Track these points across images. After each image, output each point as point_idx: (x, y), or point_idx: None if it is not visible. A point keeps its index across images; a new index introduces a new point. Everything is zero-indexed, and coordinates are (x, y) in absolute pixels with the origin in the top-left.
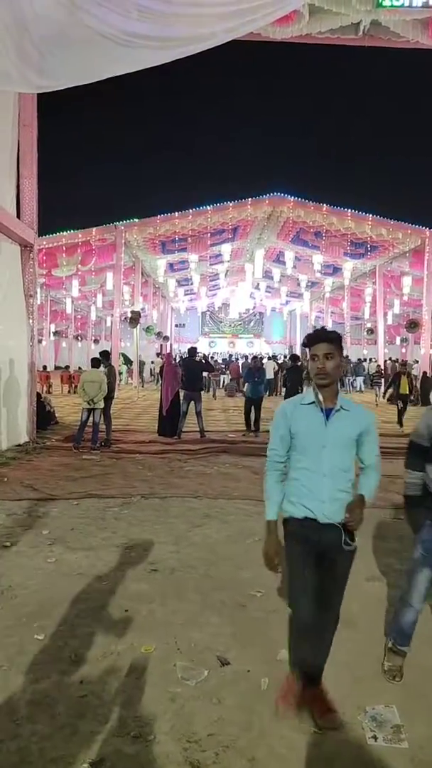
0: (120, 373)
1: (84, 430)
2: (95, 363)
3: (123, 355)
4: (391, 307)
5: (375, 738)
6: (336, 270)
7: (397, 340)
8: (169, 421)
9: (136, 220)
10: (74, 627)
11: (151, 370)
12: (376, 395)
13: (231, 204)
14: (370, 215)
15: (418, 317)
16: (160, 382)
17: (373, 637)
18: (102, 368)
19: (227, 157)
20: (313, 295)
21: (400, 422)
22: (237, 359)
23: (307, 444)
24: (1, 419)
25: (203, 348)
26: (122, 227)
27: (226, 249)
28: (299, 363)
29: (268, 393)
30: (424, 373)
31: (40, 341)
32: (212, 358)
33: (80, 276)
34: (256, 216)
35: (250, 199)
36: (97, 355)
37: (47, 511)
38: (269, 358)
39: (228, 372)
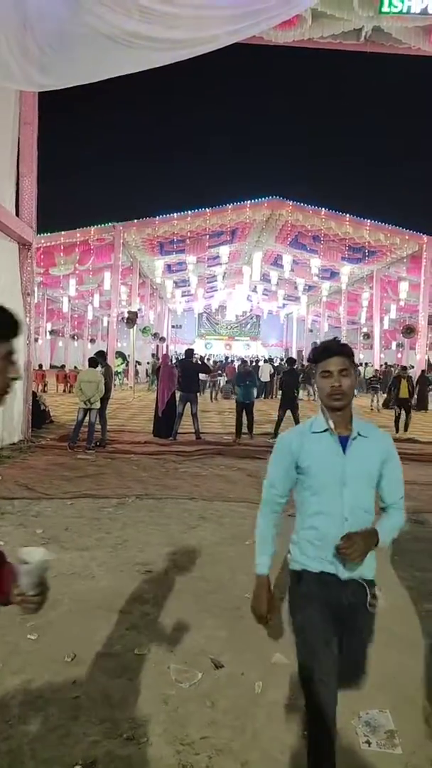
0: (117, 373)
1: (80, 429)
2: (93, 363)
3: (119, 353)
4: (387, 312)
5: (369, 743)
6: (333, 274)
7: (393, 345)
8: (165, 422)
9: (135, 220)
10: (68, 627)
11: (147, 371)
12: (372, 400)
13: (230, 206)
14: (368, 220)
15: (414, 323)
16: (156, 382)
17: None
18: (99, 368)
19: (226, 158)
20: (310, 299)
21: (397, 427)
22: (233, 361)
23: (323, 482)
24: None
25: (199, 350)
26: (121, 227)
27: (224, 251)
28: (295, 366)
29: (264, 396)
30: (423, 372)
31: (36, 340)
32: (208, 359)
33: (78, 275)
34: (255, 219)
35: (248, 202)
36: (94, 355)
37: (41, 510)
38: (265, 361)
39: (224, 374)
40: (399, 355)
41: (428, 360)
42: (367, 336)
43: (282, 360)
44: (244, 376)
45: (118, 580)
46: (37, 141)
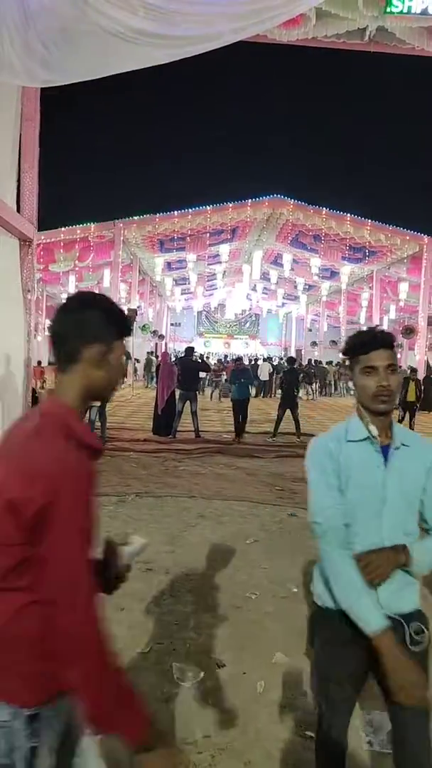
0: None
1: None
2: None
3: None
4: (387, 313)
5: (370, 743)
6: (333, 274)
7: None
8: (164, 420)
9: (136, 217)
10: None
11: (142, 367)
12: None
13: (231, 204)
14: (369, 220)
15: (414, 323)
16: (154, 380)
17: None
18: None
19: (228, 156)
20: (309, 298)
21: None
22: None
23: (359, 499)
24: None
25: (198, 348)
26: (121, 224)
27: (224, 249)
28: (295, 365)
29: (263, 395)
30: (428, 373)
31: (35, 336)
32: (207, 358)
33: (77, 272)
34: (256, 217)
35: (249, 201)
36: None
37: None
38: (264, 360)
39: (225, 373)
40: (398, 356)
41: (427, 361)
42: None
43: (281, 359)
44: (239, 373)
45: None
46: (39, 137)
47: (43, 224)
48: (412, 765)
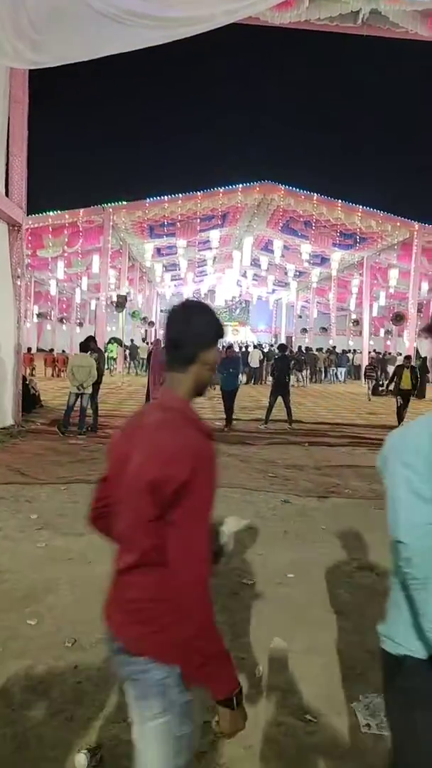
0: (112, 359)
1: (71, 414)
2: (84, 347)
3: (115, 338)
4: (377, 299)
5: (368, 726)
6: (324, 260)
7: (381, 332)
8: None
9: (125, 202)
10: (67, 612)
11: (126, 355)
12: (369, 389)
13: (221, 190)
14: (360, 206)
15: (403, 310)
16: (144, 367)
17: (364, 626)
18: (90, 353)
19: (219, 141)
20: (299, 285)
21: (399, 420)
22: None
23: None
24: None
25: None
26: (110, 209)
27: (214, 235)
28: (287, 352)
29: (253, 382)
30: (424, 359)
31: (24, 323)
32: None
33: (66, 258)
34: (246, 203)
35: (240, 186)
36: (84, 339)
37: (35, 495)
38: (255, 347)
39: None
40: (388, 342)
41: (417, 348)
42: (357, 323)
43: (271, 346)
44: (228, 362)
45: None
46: (27, 120)
47: (31, 209)
48: None
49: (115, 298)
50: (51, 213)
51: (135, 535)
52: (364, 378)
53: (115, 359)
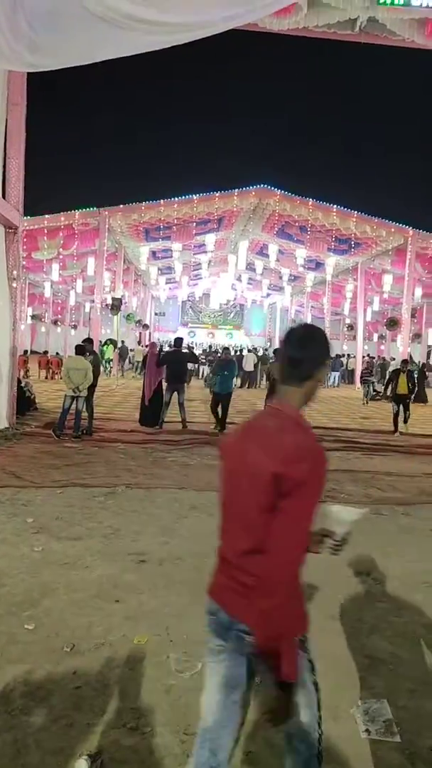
0: (108, 361)
1: (66, 417)
2: (80, 350)
3: (111, 340)
4: (370, 304)
5: (368, 732)
6: (318, 265)
7: (375, 337)
8: (152, 411)
9: (121, 205)
10: (64, 617)
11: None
12: (366, 394)
13: (217, 194)
14: (355, 212)
15: (397, 315)
16: (139, 370)
17: (361, 630)
18: (87, 356)
19: (216, 146)
20: (294, 289)
21: (395, 425)
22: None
23: None
24: None
25: (183, 338)
26: (106, 212)
27: (210, 239)
28: None
29: (248, 386)
30: (424, 364)
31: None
32: (193, 348)
33: (61, 260)
34: (242, 207)
35: (236, 190)
36: (80, 342)
37: (31, 498)
38: (249, 351)
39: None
40: (381, 347)
41: (410, 353)
42: (351, 327)
43: (265, 350)
44: (223, 365)
45: (112, 570)
46: (25, 122)
47: (26, 211)
48: None
49: (110, 301)
50: (46, 215)
51: (255, 521)
52: (360, 382)
53: (110, 360)
